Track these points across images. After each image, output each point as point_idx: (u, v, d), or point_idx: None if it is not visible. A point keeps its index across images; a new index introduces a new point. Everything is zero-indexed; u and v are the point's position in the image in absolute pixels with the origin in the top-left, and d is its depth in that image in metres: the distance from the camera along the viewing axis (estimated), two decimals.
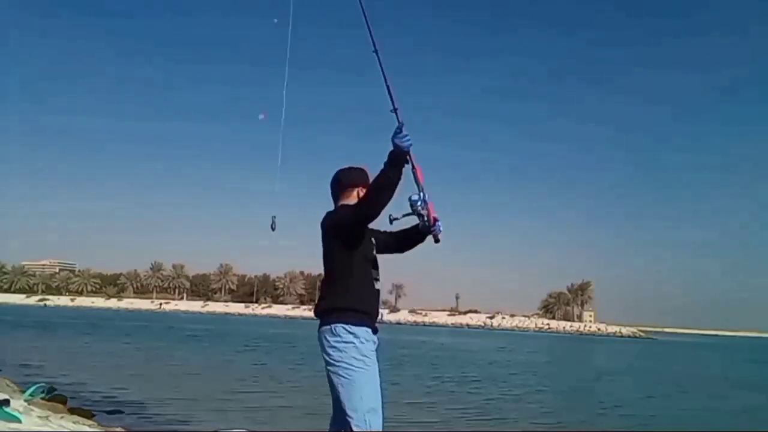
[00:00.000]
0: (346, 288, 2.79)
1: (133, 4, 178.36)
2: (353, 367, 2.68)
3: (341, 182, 2.99)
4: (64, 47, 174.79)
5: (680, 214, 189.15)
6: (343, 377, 2.68)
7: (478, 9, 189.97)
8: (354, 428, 2.62)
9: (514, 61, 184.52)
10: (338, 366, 2.70)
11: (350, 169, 3.03)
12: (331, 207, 3.00)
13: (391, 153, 2.68)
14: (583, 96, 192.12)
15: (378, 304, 2.89)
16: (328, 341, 2.74)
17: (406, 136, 2.68)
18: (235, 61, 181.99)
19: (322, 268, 2.91)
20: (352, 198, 2.94)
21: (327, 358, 2.75)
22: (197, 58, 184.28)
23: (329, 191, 3.03)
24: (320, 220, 2.93)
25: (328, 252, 2.86)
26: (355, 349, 2.70)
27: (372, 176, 2.78)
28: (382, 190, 2.68)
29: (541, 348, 42.38)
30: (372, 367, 2.72)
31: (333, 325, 2.74)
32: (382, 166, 2.67)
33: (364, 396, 2.66)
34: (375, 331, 2.81)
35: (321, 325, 2.80)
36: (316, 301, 2.90)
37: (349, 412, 2.64)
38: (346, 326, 2.72)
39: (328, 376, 2.75)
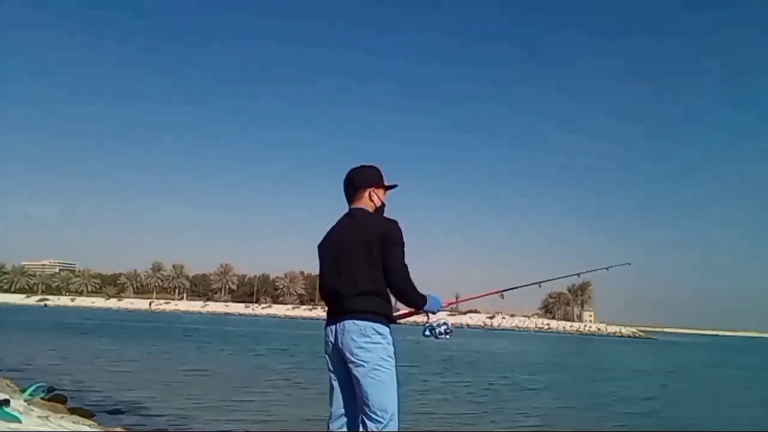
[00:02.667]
0: (379, 292, 2.75)
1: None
2: (382, 368, 2.67)
3: (355, 183, 2.94)
4: (63, 49, 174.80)
5: (680, 214, 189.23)
6: (372, 378, 2.66)
7: (469, 15, 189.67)
8: (383, 428, 2.61)
9: (513, 68, 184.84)
10: (366, 367, 2.66)
11: (362, 168, 2.98)
12: (343, 203, 2.97)
13: (427, 308, 2.91)
14: (581, 100, 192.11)
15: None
16: (355, 342, 2.69)
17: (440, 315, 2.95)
18: (236, 60, 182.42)
19: (349, 260, 2.78)
20: (365, 199, 2.92)
21: (353, 359, 2.69)
22: (198, 58, 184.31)
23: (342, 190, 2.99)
24: (329, 218, 2.93)
25: (376, 255, 2.72)
26: (383, 349, 2.70)
27: (384, 175, 2.97)
28: (408, 302, 2.85)
29: (564, 349, 42.12)
30: (394, 368, 2.74)
31: (363, 326, 2.69)
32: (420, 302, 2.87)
33: (392, 396, 2.67)
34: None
35: (345, 324, 2.71)
36: (340, 296, 2.75)
37: (378, 412, 2.63)
38: (375, 326, 2.70)
39: (343, 375, 2.74)
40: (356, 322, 2.70)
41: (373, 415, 2.62)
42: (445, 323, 2.94)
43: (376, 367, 2.66)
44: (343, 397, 2.76)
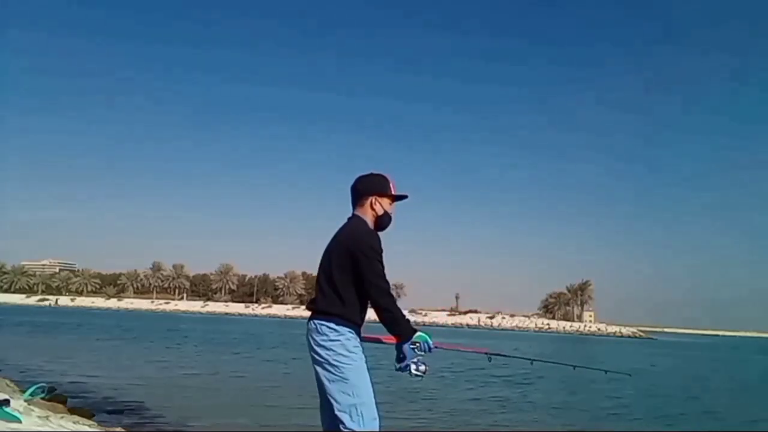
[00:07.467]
0: (341, 295, 2.78)
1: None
2: (342, 364, 2.71)
3: (358, 190, 2.97)
4: (64, 51, 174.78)
5: (680, 214, 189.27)
6: (333, 374, 2.72)
7: (465, 17, 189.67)
8: (348, 423, 2.64)
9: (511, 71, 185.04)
10: (325, 364, 2.74)
11: (370, 176, 3.01)
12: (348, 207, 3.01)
13: (404, 339, 2.76)
14: (579, 98, 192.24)
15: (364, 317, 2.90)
16: (314, 340, 2.78)
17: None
18: (233, 57, 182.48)
19: (323, 267, 2.90)
20: (366, 206, 2.94)
21: (314, 356, 2.78)
22: (198, 58, 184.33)
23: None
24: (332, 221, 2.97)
25: (346, 264, 2.78)
26: (342, 345, 2.74)
27: (392, 184, 2.97)
28: (383, 315, 2.75)
29: (589, 350, 42.05)
30: (359, 362, 2.75)
31: (319, 325, 2.78)
32: (406, 328, 2.76)
33: (355, 391, 2.69)
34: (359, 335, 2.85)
35: (309, 324, 2.83)
36: (313, 298, 2.89)
37: (341, 407, 2.67)
38: (330, 324, 2.75)
39: (316, 374, 2.79)
40: (314, 321, 2.80)
41: (340, 413, 2.66)
42: (424, 363, 2.78)
43: (335, 363, 2.71)
44: (323, 393, 2.80)
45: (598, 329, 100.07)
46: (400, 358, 2.78)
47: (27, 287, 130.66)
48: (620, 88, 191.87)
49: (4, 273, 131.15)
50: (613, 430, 10.36)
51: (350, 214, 2.99)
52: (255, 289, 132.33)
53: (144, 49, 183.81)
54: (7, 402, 5.50)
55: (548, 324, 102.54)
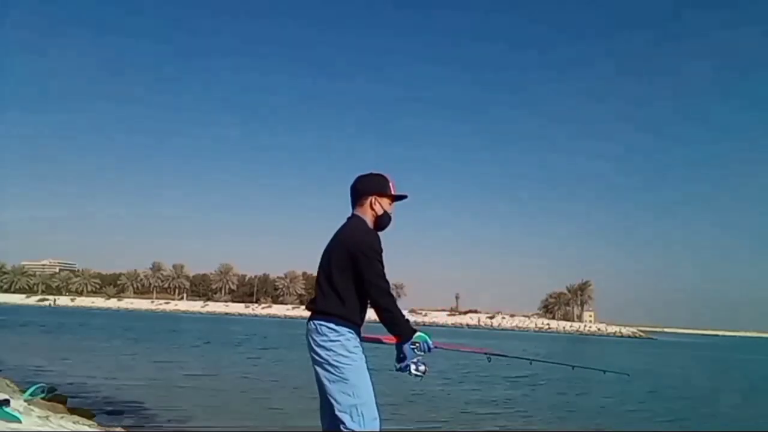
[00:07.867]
0: (341, 295, 2.79)
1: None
2: (342, 364, 2.71)
3: (358, 190, 2.97)
4: (64, 50, 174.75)
5: (680, 214, 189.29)
6: (333, 374, 2.72)
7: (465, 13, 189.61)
8: (348, 424, 2.63)
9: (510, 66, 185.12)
10: (325, 365, 2.74)
11: (369, 175, 3.01)
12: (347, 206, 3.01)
13: (404, 339, 2.78)
14: (578, 98, 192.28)
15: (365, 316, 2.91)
16: (314, 340, 2.78)
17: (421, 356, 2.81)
18: (232, 57, 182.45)
19: (323, 267, 2.90)
20: (366, 206, 2.94)
21: (314, 357, 2.78)
22: (195, 54, 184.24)
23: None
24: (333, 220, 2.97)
25: (346, 264, 2.79)
26: (342, 346, 2.74)
27: (392, 184, 2.97)
28: (383, 314, 2.76)
29: (599, 351, 42.16)
30: (359, 362, 2.75)
31: (318, 325, 2.77)
32: (406, 328, 2.77)
33: (355, 391, 2.69)
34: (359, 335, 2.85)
35: (308, 324, 2.83)
36: (312, 298, 2.89)
37: (341, 408, 2.67)
38: (330, 324, 2.75)
39: (316, 375, 2.79)
40: (314, 321, 2.80)
41: (341, 413, 2.66)
42: (424, 363, 2.78)
43: (335, 363, 2.71)
44: (323, 394, 2.80)
45: (598, 329, 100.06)
46: (400, 358, 2.78)
47: (27, 287, 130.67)
48: (622, 88, 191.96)
49: (4, 273, 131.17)
50: (613, 430, 10.37)
51: (350, 214, 2.98)
52: (255, 289, 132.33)
53: (143, 48, 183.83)
54: (7, 402, 5.51)
55: (548, 324, 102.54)
